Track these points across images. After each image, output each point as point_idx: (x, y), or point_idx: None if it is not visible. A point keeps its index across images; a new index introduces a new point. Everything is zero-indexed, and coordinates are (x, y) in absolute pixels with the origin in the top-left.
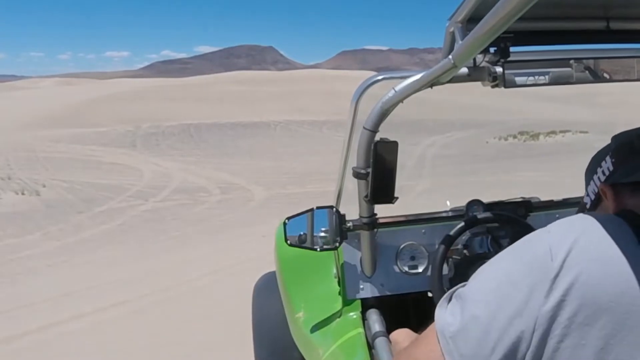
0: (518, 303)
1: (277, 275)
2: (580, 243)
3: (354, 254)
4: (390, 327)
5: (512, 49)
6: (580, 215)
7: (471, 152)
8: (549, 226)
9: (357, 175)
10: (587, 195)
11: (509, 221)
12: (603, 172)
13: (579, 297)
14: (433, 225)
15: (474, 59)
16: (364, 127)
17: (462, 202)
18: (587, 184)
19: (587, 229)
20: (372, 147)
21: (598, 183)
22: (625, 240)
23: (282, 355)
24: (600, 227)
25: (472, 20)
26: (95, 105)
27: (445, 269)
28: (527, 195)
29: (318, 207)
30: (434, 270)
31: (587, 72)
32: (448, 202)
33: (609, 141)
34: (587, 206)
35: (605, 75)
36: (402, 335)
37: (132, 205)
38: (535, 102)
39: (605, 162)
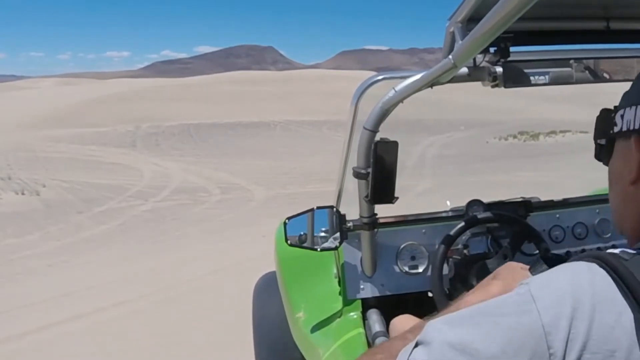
0: None
1: (277, 276)
2: (578, 313)
3: (354, 254)
4: None
5: (512, 49)
6: (561, 270)
7: (471, 152)
8: (533, 292)
9: (357, 175)
10: (622, 116)
11: (509, 221)
12: None
13: None
14: (433, 225)
15: (474, 59)
16: (364, 127)
17: (462, 202)
18: (628, 105)
19: (579, 291)
20: (372, 147)
21: (633, 124)
22: (615, 293)
23: (283, 355)
24: (591, 284)
25: (472, 20)
26: (95, 105)
27: (446, 269)
28: (527, 195)
29: (318, 207)
30: (434, 270)
31: (587, 72)
32: (448, 202)
33: None
34: (614, 130)
35: (605, 75)
36: (401, 321)
37: (132, 205)
38: (535, 102)
39: None
